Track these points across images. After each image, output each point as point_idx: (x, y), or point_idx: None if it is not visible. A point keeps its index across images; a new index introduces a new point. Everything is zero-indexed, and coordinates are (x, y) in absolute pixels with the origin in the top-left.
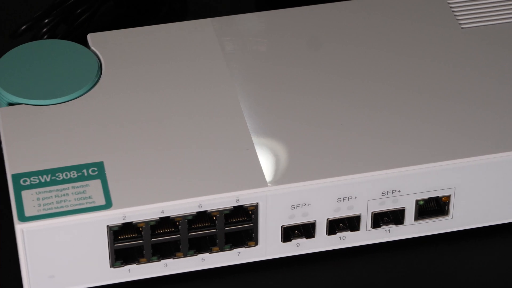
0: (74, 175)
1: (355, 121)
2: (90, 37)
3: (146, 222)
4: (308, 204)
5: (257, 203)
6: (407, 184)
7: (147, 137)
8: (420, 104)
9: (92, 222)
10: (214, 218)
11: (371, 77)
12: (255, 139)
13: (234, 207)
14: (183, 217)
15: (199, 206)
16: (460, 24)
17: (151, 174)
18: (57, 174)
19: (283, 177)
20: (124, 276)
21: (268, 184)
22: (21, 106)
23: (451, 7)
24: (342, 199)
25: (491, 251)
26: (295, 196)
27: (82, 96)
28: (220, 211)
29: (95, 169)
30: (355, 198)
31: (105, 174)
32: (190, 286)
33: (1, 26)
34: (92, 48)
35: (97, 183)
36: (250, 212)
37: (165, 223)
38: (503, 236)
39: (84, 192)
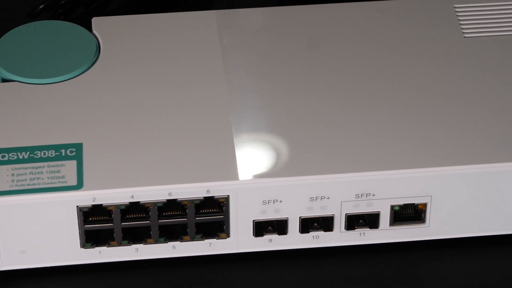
0: (52, 154)
1: (338, 121)
2: (94, 21)
3: (116, 206)
4: (280, 201)
5: (228, 196)
6: (381, 189)
7: (130, 122)
8: (406, 109)
9: (62, 201)
10: (185, 207)
11: (363, 78)
12: (236, 133)
13: (204, 197)
14: (153, 203)
15: (169, 194)
16: (464, 32)
17: (126, 159)
18: (35, 152)
19: (255, 172)
20: (94, 258)
21: (240, 178)
22: (14, 83)
23: (457, 15)
24: (314, 198)
25: (466, 263)
26: (266, 192)
27: (74, 78)
28: (191, 201)
29: (73, 150)
30: (328, 198)
31: (82, 156)
32: (160, 273)
33: (20, 5)
34: (94, 31)
35: (72, 163)
36: (221, 204)
37: (136, 208)
38: (481, 248)
39: (58, 171)
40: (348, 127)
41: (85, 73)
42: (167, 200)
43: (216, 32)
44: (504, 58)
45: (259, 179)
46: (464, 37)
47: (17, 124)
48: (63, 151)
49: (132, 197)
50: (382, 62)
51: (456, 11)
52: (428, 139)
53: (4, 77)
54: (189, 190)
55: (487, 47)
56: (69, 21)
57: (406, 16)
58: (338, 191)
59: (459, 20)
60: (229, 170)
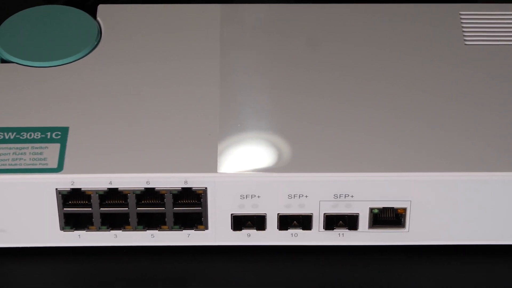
0: (37, 136)
1: (324, 120)
2: (100, 8)
3: (95, 191)
4: (258, 196)
5: (206, 188)
6: (360, 191)
7: (120, 109)
8: (393, 112)
9: (42, 183)
10: (163, 196)
11: (356, 78)
12: (222, 126)
13: (182, 188)
14: (132, 191)
15: (147, 182)
16: (465, 40)
17: (109, 146)
18: (22, 133)
19: (234, 166)
20: (74, 241)
21: (218, 171)
22: (12, 65)
23: (461, 22)
24: (292, 196)
25: (444, 271)
26: (244, 186)
27: (71, 63)
28: (168, 190)
29: (59, 133)
30: (306, 196)
31: (66, 140)
32: (139, 260)
33: None
34: (98, 18)
35: (56, 146)
36: (199, 196)
37: (115, 194)
38: (461, 257)
39: (41, 153)
40: (333, 127)
41: (82, 59)
42: (145, 188)
43: (218, 25)
44: (502, 67)
45: (237, 173)
46: (465, 44)
47: (8, 104)
48: (48, 133)
49: (111, 183)
50: (378, 63)
51: (461, 18)
52: (411, 144)
53: (4, 58)
54: (166, 180)
55: (486, 55)
56: (83, 7)
57: (411, 20)
58: (316, 190)
59: (462, 27)
60: (208, 163)
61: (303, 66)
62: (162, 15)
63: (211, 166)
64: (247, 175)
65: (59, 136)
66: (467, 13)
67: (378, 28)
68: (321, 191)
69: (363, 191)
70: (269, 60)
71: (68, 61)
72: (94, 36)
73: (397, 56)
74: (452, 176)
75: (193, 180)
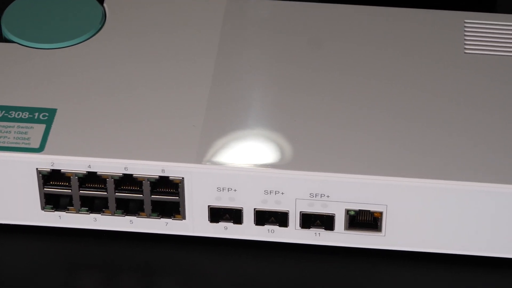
0: (25, 116)
1: (307, 118)
2: None
3: (74, 173)
4: (235, 190)
5: (182, 178)
6: (336, 191)
7: (110, 96)
8: (378, 116)
9: (23, 162)
10: (141, 183)
11: (347, 78)
12: (207, 118)
13: (160, 176)
14: (110, 176)
15: (125, 168)
16: (465, 48)
17: (93, 129)
18: (10, 112)
19: (212, 158)
20: (55, 221)
21: (195, 162)
22: (13, 45)
23: (465, 30)
24: (269, 192)
25: (420, 278)
26: (221, 179)
27: (71, 46)
28: (146, 178)
29: (47, 114)
30: (282, 193)
31: (52, 121)
32: (118, 245)
33: None
34: (104, 4)
35: (41, 127)
36: (177, 185)
37: (94, 178)
38: (438, 265)
39: (25, 133)
40: (315, 126)
41: (82, 43)
42: (123, 174)
43: (221, 18)
44: (498, 77)
45: (213, 166)
46: (465, 52)
47: (2, 82)
48: (36, 114)
49: (89, 166)
50: (374, 64)
51: (465, 26)
52: (392, 148)
53: (7, 38)
54: (144, 167)
55: (484, 64)
56: None
57: (416, 25)
58: (292, 188)
59: (465, 35)
60: (187, 153)
61: (298, 64)
62: (169, 5)
63: (189, 156)
64: (224, 168)
65: (46, 117)
66: (472, 21)
67: (381, 30)
68: (297, 189)
69: (339, 192)
70: (265, 57)
71: (68, 45)
72: (97, 21)
73: (396, 59)
74: (428, 183)
75: (170, 169)
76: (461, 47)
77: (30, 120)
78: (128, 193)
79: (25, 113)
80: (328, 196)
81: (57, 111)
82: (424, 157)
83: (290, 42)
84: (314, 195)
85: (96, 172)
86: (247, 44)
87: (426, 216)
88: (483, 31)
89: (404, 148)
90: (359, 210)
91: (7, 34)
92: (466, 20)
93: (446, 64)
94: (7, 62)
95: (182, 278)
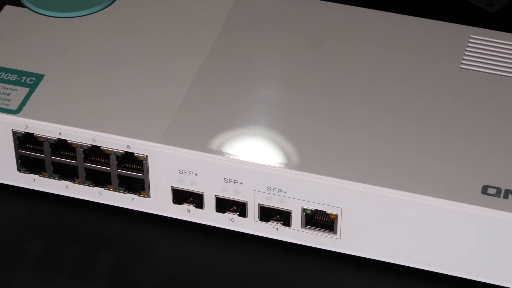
0: (13, 78)
1: (277, 112)
2: None
3: (46, 139)
4: (196, 174)
5: (146, 156)
6: (292, 188)
7: (100, 69)
8: (352, 119)
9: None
10: (108, 156)
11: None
12: (185, 101)
13: (125, 152)
14: (79, 145)
15: (93, 140)
16: (462, 63)
17: (71, 99)
18: (0, 73)
19: (176, 140)
20: (29, 184)
21: (159, 142)
22: (23, 9)
23: (468, 45)
24: (228, 180)
25: (365, 285)
26: (182, 162)
27: (77, 17)
28: (113, 152)
29: (33, 79)
30: (241, 183)
31: (37, 86)
32: (88, 214)
33: None
34: None
35: (24, 90)
36: (142, 163)
37: (65, 146)
38: (390, 275)
39: (8, 94)
40: (283, 121)
41: (90, 15)
42: (91, 145)
43: (225, 13)
44: (486, 96)
45: (175, 147)
46: (460, 67)
47: (3, 44)
48: (24, 77)
49: (60, 134)
50: (365, 70)
51: (469, 41)
52: (354, 153)
53: (22, 2)
54: (111, 141)
55: (475, 81)
56: None
57: (421, 35)
58: (251, 179)
59: (466, 50)
60: (152, 132)
61: (293, 63)
62: None
63: (155, 136)
64: (185, 151)
65: (32, 82)
66: (477, 37)
67: (384, 37)
68: (255, 181)
69: (295, 189)
70: (263, 52)
71: (75, 15)
72: None
73: (391, 66)
74: (380, 191)
75: (135, 146)
76: (458, 61)
77: (17, 82)
78: (97, 165)
79: (14, 76)
80: (285, 192)
81: (44, 77)
82: (386, 166)
83: (289, 39)
84: (272, 189)
85: (66, 140)
86: (244, 40)
87: (380, 224)
88: (485, 48)
89: (369, 154)
90: (315, 210)
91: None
92: (471, 35)
93: (438, 77)
94: (13, 25)
95: (126, 254)
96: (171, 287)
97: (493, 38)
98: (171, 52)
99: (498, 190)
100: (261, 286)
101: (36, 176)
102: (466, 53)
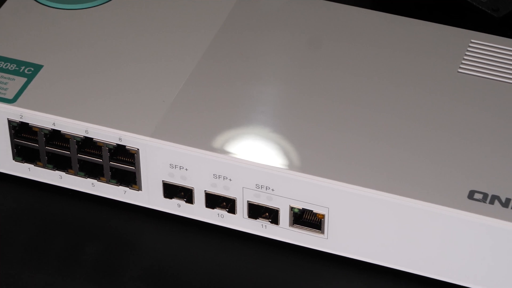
0: (11, 68)
1: (269, 111)
2: None
3: (41, 129)
4: (186, 169)
5: (138, 149)
6: (280, 186)
7: (98, 61)
8: (342, 119)
9: None
10: (101, 148)
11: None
12: (180, 96)
13: (117, 145)
14: (72, 136)
15: (86, 131)
16: (460, 67)
17: (66, 90)
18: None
19: (167, 134)
20: (24, 173)
21: (150, 135)
22: (30, 0)
23: (467, 50)
24: (218, 176)
25: (351, 286)
26: (173, 156)
27: (79, 10)
28: (105, 144)
29: (32, 69)
30: (230, 180)
31: (34, 76)
32: (80, 206)
33: None
34: None
35: (22, 80)
36: (134, 156)
37: (59, 136)
38: (377, 277)
39: (6, 83)
40: (275, 120)
41: (92, 8)
42: (84, 137)
43: (226, 13)
44: (482, 100)
45: (166, 142)
46: (458, 71)
47: (5, 33)
48: (23, 67)
49: (54, 124)
50: (361, 72)
51: (469, 46)
52: (344, 153)
53: None
54: (103, 133)
55: (472, 86)
56: None
57: (421, 38)
58: (239, 176)
59: (465, 54)
60: (145, 125)
61: (288, 62)
62: None
63: (146, 129)
64: (175, 145)
65: (30, 72)
66: (477, 42)
67: (384, 38)
68: (244, 178)
69: (283, 187)
70: (261, 50)
71: (80, 7)
72: None
73: (386, 68)
74: (367, 193)
75: (127, 139)
76: (457, 65)
77: (15, 72)
78: (90, 156)
79: (13, 65)
80: (273, 190)
81: (43, 68)
82: (374, 167)
83: (289, 39)
84: (260, 187)
85: (60, 131)
86: (246, 36)
87: (367, 226)
88: (485, 53)
89: (358, 155)
90: (303, 209)
91: None
92: (472, 40)
93: (434, 80)
94: (16, 15)
95: (114, 245)
96: (154, 279)
97: (494, 43)
98: (169, 48)
99: (485, 195)
100: (246, 283)
101: (31, 166)
102: (465, 57)
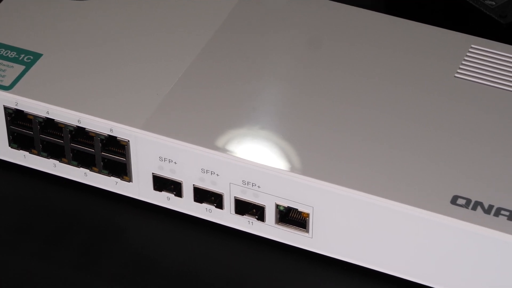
0: (12, 55)
1: (260, 108)
2: None
3: (35, 117)
4: (175, 162)
5: (128, 141)
6: (266, 183)
7: (97, 52)
8: (333, 118)
9: None
10: (93, 139)
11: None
12: (174, 90)
13: (109, 135)
14: (66, 125)
15: (78, 121)
16: (457, 72)
17: (62, 79)
18: (0, 49)
19: (158, 127)
20: (20, 160)
21: (140, 127)
22: None
23: (467, 55)
24: (205, 171)
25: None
26: (162, 149)
27: (83, 0)
28: (97, 134)
29: (31, 57)
30: (217, 175)
31: (33, 64)
32: (73, 194)
33: None
34: None
35: (20, 68)
36: (124, 147)
37: (53, 125)
38: (360, 278)
39: (4, 70)
40: (266, 118)
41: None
42: (77, 126)
43: (226, 13)
44: (476, 107)
45: (155, 134)
46: (454, 76)
47: (8, 20)
48: (22, 55)
49: (48, 113)
50: (358, 73)
51: (469, 51)
52: (331, 153)
53: None
54: (95, 123)
55: (467, 91)
56: None
57: (421, 42)
58: (226, 172)
59: (464, 59)
60: (136, 117)
61: (289, 59)
62: None
63: (137, 121)
64: (164, 138)
65: (29, 60)
66: (477, 47)
67: (384, 40)
68: (230, 174)
69: (269, 184)
70: (260, 48)
71: None
72: None
73: (384, 70)
74: (352, 194)
75: (118, 130)
76: (454, 70)
77: (14, 60)
78: (82, 146)
79: (13, 53)
80: (259, 187)
81: (42, 56)
82: (359, 169)
83: (288, 38)
84: (246, 183)
85: (53, 120)
86: (246, 35)
87: (350, 226)
88: (484, 58)
89: (344, 156)
90: (288, 207)
91: None
92: (472, 45)
93: (430, 84)
94: (18, 3)
95: (99, 234)
96: (136, 268)
97: (494, 49)
98: (167, 44)
99: (468, 201)
100: (230, 276)
101: (26, 153)
102: (463, 62)
